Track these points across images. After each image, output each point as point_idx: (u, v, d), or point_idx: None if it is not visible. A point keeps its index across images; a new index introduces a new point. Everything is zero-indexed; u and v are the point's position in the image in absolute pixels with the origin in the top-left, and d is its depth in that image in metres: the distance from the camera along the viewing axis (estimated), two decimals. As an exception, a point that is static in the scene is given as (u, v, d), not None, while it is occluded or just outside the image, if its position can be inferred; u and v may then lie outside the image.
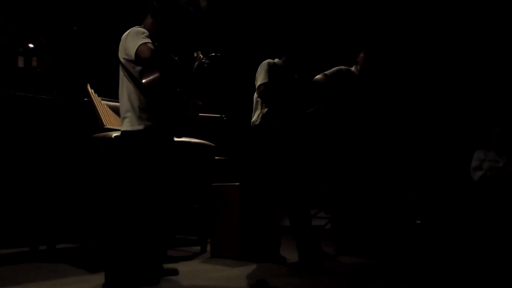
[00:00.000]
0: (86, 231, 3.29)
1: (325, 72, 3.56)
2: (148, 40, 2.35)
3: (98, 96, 3.28)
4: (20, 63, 4.65)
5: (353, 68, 3.65)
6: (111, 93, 3.62)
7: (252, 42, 5.44)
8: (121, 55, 2.45)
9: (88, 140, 3.06)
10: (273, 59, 3.27)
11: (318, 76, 3.53)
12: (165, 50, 2.49)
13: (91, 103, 3.21)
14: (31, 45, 4.83)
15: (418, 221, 4.32)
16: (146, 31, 2.43)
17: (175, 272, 2.61)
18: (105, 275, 2.35)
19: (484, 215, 3.89)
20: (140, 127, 2.39)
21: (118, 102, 3.48)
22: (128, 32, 2.45)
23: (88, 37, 5.26)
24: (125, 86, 2.47)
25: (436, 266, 3.12)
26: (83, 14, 5.25)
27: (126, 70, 2.45)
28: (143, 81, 2.31)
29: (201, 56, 2.73)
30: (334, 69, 3.60)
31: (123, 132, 2.45)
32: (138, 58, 2.34)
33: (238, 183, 3.28)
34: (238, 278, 2.65)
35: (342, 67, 3.62)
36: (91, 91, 3.26)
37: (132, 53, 2.35)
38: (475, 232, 3.84)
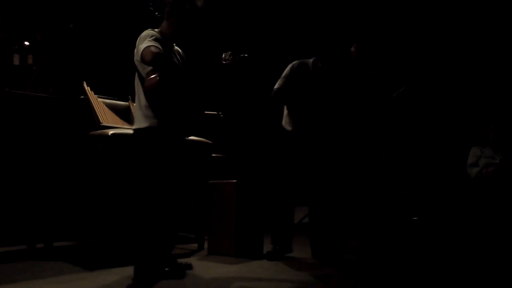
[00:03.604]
0: (83, 229, 3.28)
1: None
2: (152, 43, 2.41)
3: (95, 93, 3.28)
4: (16, 60, 4.62)
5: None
6: (107, 90, 3.62)
7: (250, 40, 5.44)
8: (135, 57, 2.55)
9: (84, 138, 3.05)
10: (306, 59, 3.22)
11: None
12: (183, 50, 2.65)
13: (87, 100, 3.21)
14: (26, 43, 4.80)
15: (414, 218, 4.33)
16: (154, 33, 2.50)
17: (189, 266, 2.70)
18: (134, 267, 2.47)
19: (480, 212, 3.90)
20: (145, 124, 2.48)
21: (114, 100, 3.51)
22: (141, 35, 2.53)
23: (84, 34, 5.24)
24: (136, 86, 2.58)
25: (432, 263, 3.13)
26: (79, 11, 5.23)
27: (138, 71, 2.55)
28: (144, 84, 2.42)
29: (229, 57, 2.74)
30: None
31: (134, 130, 2.57)
32: (143, 61, 2.43)
33: (235, 181, 3.28)
34: (235, 275, 2.65)
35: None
36: (87, 88, 3.25)
37: (139, 55, 2.43)
38: (471, 229, 3.85)
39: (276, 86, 3.17)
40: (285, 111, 3.30)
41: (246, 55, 2.74)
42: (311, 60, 3.26)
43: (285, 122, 3.29)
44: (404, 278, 2.68)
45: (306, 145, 3.19)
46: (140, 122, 2.51)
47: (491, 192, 3.94)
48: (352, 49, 3.57)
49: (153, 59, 2.35)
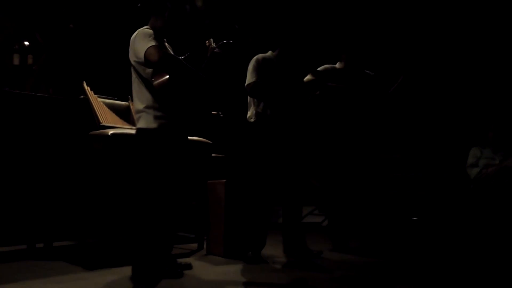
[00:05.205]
0: (82, 229, 3.29)
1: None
2: (155, 43, 2.39)
3: (95, 93, 3.27)
4: (16, 60, 4.63)
5: (337, 65, 3.68)
6: (107, 90, 3.62)
7: (248, 38, 5.44)
8: (131, 58, 2.51)
9: (84, 138, 3.05)
10: (265, 53, 3.27)
11: (307, 77, 3.48)
12: (172, 45, 2.62)
13: (87, 100, 3.20)
14: (26, 43, 4.80)
15: (414, 218, 4.34)
16: (152, 32, 2.46)
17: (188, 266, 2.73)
18: (132, 268, 2.48)
19: (480, 212, 3.90)
20: (155, 125, 2.47)
21: (114, 99, 3.51)
22: (136, 34, 2.49)
23: (84, 34, 5.25)
24: (137, 87, 2.54)
25: (432, 263, 3.13)
26: (78, 11, 5.23)
27: (137, 72, 2.51)
28: (154, 83, 2.37)
29: (213, 44, 2.72)
30: (320, 68, 3.63)
31: (138, 129, 2.54)
32: (147, 61, 2.39)
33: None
34: (234, 275, 2.66)
35: (327, 65, 3.66)
36: (87, 88, 3.25)
37: (141, 55, 2.39)
38: (471, 229, 3.86)
39: (251, 81, 3.13)
40: (252, 105, 3.24)
41: (230, 41, 2.73)
42: (269, 52, 3.28)
43: (251, 115, 3.25)
44: (404, 278, 2.68)
45: (275, 135, 3.15)
46: (149, 122, 2.48)
47: (491, 192, 3.94)
48: (344, 56, 3.61)
49: (161, 59, 2.32)
